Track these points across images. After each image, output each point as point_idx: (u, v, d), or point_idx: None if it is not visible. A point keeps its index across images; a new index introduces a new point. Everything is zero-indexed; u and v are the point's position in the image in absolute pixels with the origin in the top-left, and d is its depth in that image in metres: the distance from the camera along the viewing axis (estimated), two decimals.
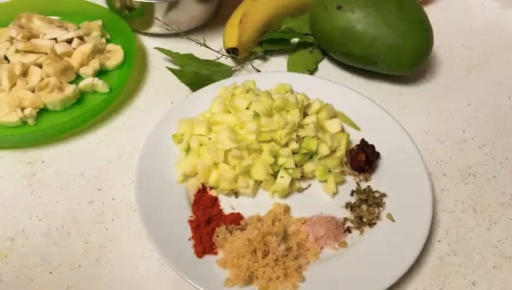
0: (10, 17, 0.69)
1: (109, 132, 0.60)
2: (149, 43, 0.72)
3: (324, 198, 0.53)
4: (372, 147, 0.54)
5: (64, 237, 0.50)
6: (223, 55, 0.68)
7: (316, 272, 0.46)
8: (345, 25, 0.62)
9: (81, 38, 0.66)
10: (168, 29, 0.69)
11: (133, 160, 0.56)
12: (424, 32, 0.62)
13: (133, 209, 0.52)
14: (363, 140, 0.55)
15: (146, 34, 0.73)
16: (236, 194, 0.53)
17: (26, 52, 0.64)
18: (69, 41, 0.66)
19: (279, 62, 0.71)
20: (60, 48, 0.64)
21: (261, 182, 0.52)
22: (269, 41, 0.69)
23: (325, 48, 0.68)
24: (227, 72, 0.67)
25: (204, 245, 0.47)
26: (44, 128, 0.57)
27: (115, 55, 0.66)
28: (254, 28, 0.68)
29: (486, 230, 0.52)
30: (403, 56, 0.62)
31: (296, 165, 0.53)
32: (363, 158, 0.53)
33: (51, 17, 0.71)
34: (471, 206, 0.54)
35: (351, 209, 0.52)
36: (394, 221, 0.50)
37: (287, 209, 0.51)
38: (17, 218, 0.51)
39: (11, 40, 0.66)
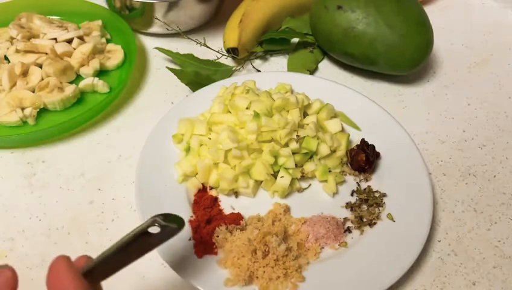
0: (10, 17, 0.69)
1: (109, 132, 0.60)
2: (149, 43, 0.72)
3: (324, 198, 0.53)
4: (373, 147, 0.54)
5: (64, 237, 0.50)
6: (223, 55, 0.68)
7: (316, 272, 0.46)
8: (345, 25, 0.62)
9: (81, 38, 0.66)
10: (168, 29, 0.69)
11: (133, 160, 0.56)
12: (424, 32, 0.62)
13: (133, 209, 0.52)
14: (363, 140, 0.55)
15: (146, 33, 0.73)
16: (236, 194, 0.53)
17: (26, 52, 0.64)
18: (69, 41, 0.66)
19: (279, 62, 0.71)
20: (60, 48, 0.64)
21: (261, 182, 0.52)
22: (269, 41, 0.69)
23: (325, 47, 0.68)
24: (227, 72, 0.67)
25: (204, 245, 0.47)
26: (45, 128, 0.57)
27: (115, 55, 0.66)
28: (254, 27, 0.68)
29: (487, 230, 0.52)
30: (403, 56, 0.62)
31: (296, 165, 0.53)
32: (363, 158, 0.53)
33: (51, 17, 0.71)
34: (472, 206, 0.54)
35: (351, 209, 0.52)
36: (394, 221, 0.50)
37: (287, 209, 0.51)
38: (17, 218, 0.51)
39: (11, 40, 0.66)
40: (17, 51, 0.64)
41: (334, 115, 0.59)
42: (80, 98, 0.62)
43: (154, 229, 0.32)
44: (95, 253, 0.49)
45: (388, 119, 0.58)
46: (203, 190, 0.52)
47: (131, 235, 0.31)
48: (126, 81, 0.63)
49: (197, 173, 0.52)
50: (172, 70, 0.63)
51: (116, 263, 0.32)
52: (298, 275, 0.45)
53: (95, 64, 0.64)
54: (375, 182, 0.54)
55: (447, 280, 0.48)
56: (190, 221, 0.49)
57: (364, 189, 0.53)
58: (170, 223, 0.32)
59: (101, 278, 0.33)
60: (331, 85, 0.62)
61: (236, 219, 0.49)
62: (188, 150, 0.54)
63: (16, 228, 0.51)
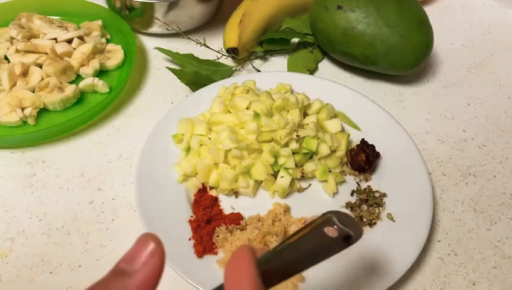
0: (10, 17, 0.69)
1: (109, 132, 0.60)
2: (149, 43, 0.72)
3: (324, 198, 0.53)
4: (372, 147, 0.54)
5: (64, 237, 0.50)
6: (223, 55, 0.68)
7: (316, 272, 0.46)
8: (345, 25, 0.62)
9: (81, 38, 0.66)
10: (168, 29, 0.69)
11: (133, 160, 0.56)
12: (424, 32, 0.62)
13: (133, 209, 0.52)
14: (363, 140, 0.55)
15: (146, 34, 0.73)
16: (236, 194, 0.53)
17: (26, 52, 0.64)
18: (69, 41, 0.66)
19: (279, 62, 0.71)
20: (60, 48, 0.64)
21: (261, 182, 0.52)
22: (269, 41, 0.69)
23: (325, 47, 0.68)
24: (227, 72, 0.67)
25: (204, 245, 0.47)
26: (45, 128, 0.57)
27: (115, 55, 0.66)
28: (254, 28, 0.68)
29: (487, 230, 0.52)
30: (403, 56, 0.62)
31: (296, 165, 0.53)
32: (363, 158, 0.53)
33: (51, 17, 0.71)
34: (471, 206, 0.54)
35: (351, 209, 0.52)
36: (394, 221, 0.50)
37: (287, 209, 0.51)
38: (17, 218, 0.51)
39: (11, 40, 0.66)
40: (17, 51, 0.64)
41: (334, 115, 0.59)
42: (80, 98, 0.62)
43: (332, 232, 0.28)
44: (95, 253, 0.49)
45: (388, 119, 0.58)
46: (203, 190, 0.52)
47: (306, 232, 0.27)
48: (126, 81, 0.63)
49: (197, 173, 0.52)
50: (172, 70, 0.63)
51: (290, 268, 0.27)
52: (298, 275, 0.45)
53: (95, 64, 0.64)
54: (375, 182, 0.54)
55: (447, 280, 0.48)
56: (190, 221, 0.49)
57: (364, 189, 0.53)
58: (348, 229, 0.28)
59: (274, 282, 0.27)
60: (331, 85, 0.62)
61: (236, 219, 0.49)
62: (188, 150, 0.54)
63: (16, 228, 0.51)
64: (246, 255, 0.25)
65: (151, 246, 0.25)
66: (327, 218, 0.28)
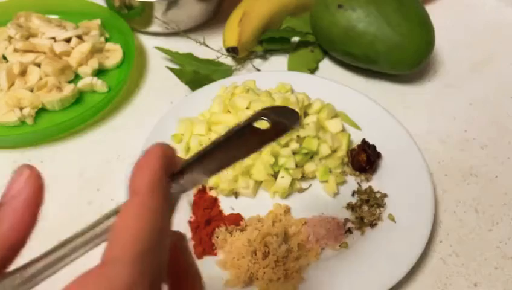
0: (9, 16, 0.69)
1: (108, 132, 0.60)
2: (148, 43, 0.72)
3: (325, 198, 0.53)
4: (374, 147, 0.54)
5: (63, 237, 0.49)
6: (223, 54, 0.68)
7: (317, 273, 0.45)
8: (345, 24, 0.62)
9: (79, 37, 0.66)
10: (167, 28, 0.69)
11: (132, 160, 0.56)
12: (425, 31, 0.62)
13: None
14: (364, 140, 0.54)
15: (145, 33, 0.73)
16: (236, 194, 0.52)
17: (25, 51, 0.63)
18: (68, 40, 0.65)
19: (279, 61, 0.70)
20: (59, 47, 0.63)
21: (261, 182, 0.52)
22: (269, 41, 0.69)
23: (326, 47, 0.68)
24: (227, 72, 0.66)
25: (204, 246, 0.47)
26: (43, 128, 0.56)
27: (114, 54, 0.66)
28: (254, 27, 0.68)
29: (488, 231, 0.51)
30: (404, 55, 0.61)
31: (296, 166, 0.52)
32: (364, 158, 0.53)
33: (49, 16, 0.71)
34: (473, 207, 0.53)
35: (352, 210, 0.51)
36: (395, 222, 0.49)
37: (287, 210, 0.51)
38: None
39: (10, 39, 0.66)
40: (16, 51, 0.63)
41: (335, 115, 0.58)
42: (79, 97, 0.61)
43: (263, 125, 0.27)
44: (94, 253, 0.48)
45: (389, 119, 0.58)
46: (202, 191, 0.52)
47: (233, 130, 0.26)
48: (125, 81, 0.62)
49: None
50: (171, 69, 0.63)
51: (213, 163, 0.26)
52: (299, 276, 0.45)
53: (93, 63, 0.63)
54: (376, 183, 0.54)
55: (448, 281, 0.47)
56: (190, 222, 0.49)
57: (365, 189, 0.53)
58: (281, 119, 0.27)
59: (190, 184, 0.26)
60: (331, 85, 0.62)
61: (236, 220, 0.49)
62: (187, 150, 0.54)
63: None
64: (153, 152, 0.24)
65: (26, 173, 0.23)
66: (259, 113, 0.27)
